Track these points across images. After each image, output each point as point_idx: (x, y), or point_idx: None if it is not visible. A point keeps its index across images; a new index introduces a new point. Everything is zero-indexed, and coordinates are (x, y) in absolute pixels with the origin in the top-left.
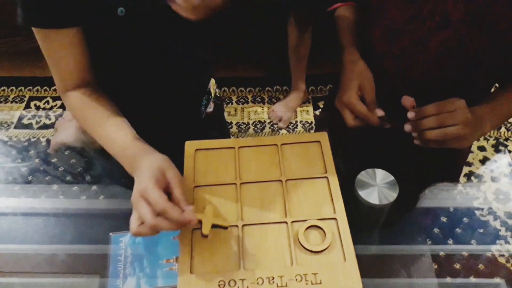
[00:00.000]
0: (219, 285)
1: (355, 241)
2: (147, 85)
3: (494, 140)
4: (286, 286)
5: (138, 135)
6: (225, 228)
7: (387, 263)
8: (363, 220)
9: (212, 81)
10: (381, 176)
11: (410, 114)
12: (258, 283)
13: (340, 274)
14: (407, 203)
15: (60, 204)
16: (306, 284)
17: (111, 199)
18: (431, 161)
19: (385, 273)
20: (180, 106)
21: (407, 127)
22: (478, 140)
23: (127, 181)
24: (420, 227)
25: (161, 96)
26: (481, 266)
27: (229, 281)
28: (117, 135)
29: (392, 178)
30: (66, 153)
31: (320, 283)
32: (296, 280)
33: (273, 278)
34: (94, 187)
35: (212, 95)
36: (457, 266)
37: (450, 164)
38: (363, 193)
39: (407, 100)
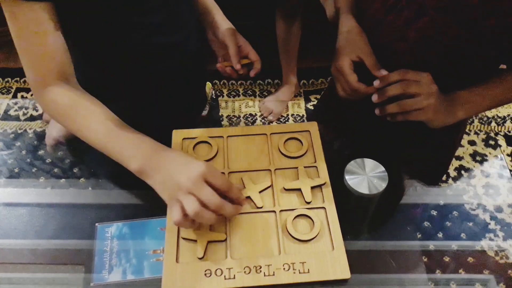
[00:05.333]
0: (205, 274)
1: (344, 231)
2: (138, 82)
3: (484, 134)
4: (273, 275)
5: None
6: (222, 241)
7: (376, 254)
8: (352, 210)
9: (208, 84)
10: (371, 166)
11: (376, 82)
12: (245, 272)
13: (328, 263)
14: (397, 194)
15: (47, 195)
16: (294, 273)
17: (98, 190)
18: (421, 152)
19: (374, 263)
20: (175, 108)
21: (374, 97)
22: (468, 134)
23: (113, 173)
24: (410, 220)
25: (153, 95)
26: (470, 259)
27: (216, 270)
28: (125, 129)
29: (381, 168)
30: (63, 148)
31: (308, 272)
32: (284, 269)
33: (260, 267)
34: (82, 179)
35: (208, 98)
36: (447, 259)
37: (439, 156)
38: (352, 183)
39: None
